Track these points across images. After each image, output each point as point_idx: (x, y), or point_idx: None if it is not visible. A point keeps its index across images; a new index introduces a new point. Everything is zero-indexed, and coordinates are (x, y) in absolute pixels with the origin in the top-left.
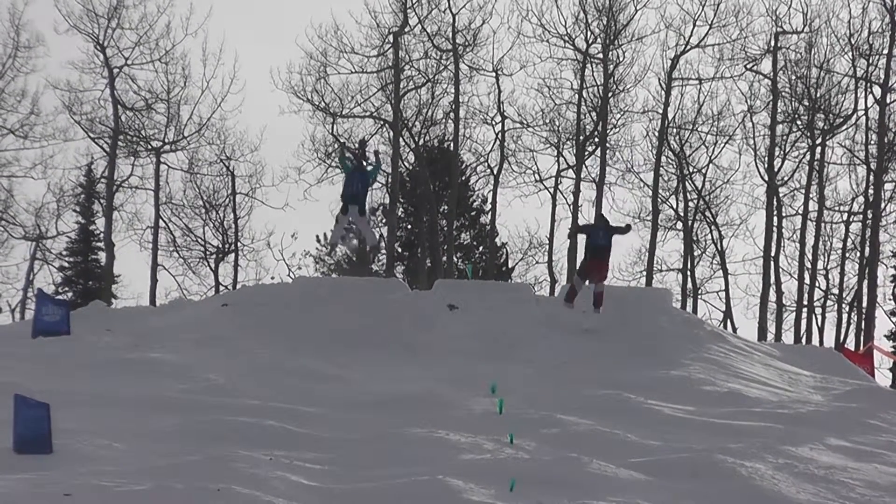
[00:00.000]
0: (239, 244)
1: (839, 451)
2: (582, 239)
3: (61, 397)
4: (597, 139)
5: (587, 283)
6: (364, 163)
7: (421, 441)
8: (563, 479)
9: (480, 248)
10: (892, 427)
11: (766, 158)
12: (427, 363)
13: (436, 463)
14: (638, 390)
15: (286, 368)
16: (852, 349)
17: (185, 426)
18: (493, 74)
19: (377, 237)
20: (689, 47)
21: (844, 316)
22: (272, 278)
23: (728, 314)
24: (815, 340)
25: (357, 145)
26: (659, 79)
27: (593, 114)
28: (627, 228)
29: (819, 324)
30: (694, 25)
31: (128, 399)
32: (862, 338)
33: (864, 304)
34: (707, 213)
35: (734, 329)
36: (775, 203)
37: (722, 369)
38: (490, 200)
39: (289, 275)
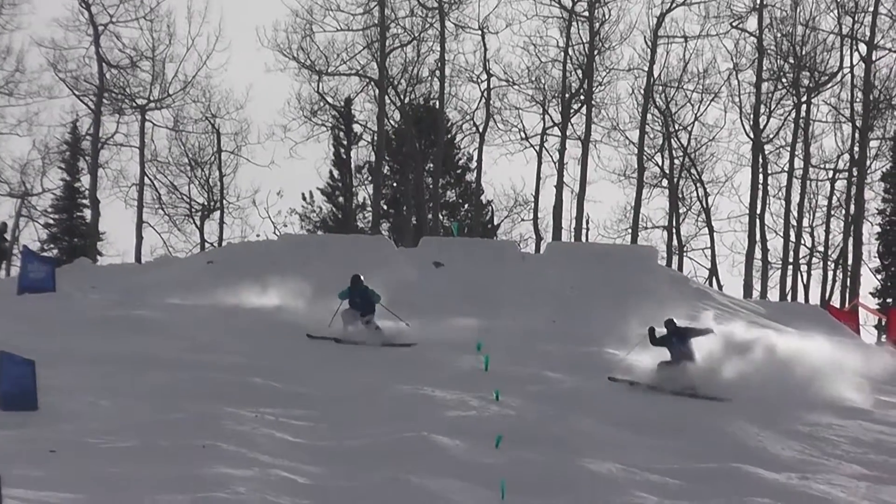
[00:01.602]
0: (224, 202)
1: (824, 407)
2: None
3: (47, 354)
4: (582, 97)
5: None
6: (363, 285)
7: (407, 398)
8: (548, 435)
9: (466, 206)
10: (877, 384)
11: (752, 116)
12: (413, 320)
13: (422, 420)
14: (624, 347)
15: (272, 325)
16: (837, 306)
17: (171, 383)
18: (479, 32)
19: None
20: (674, 5)
21: (830, 273)
22: (258, 236)
23: (713, 272)
24: (801, 298)
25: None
26: (644, 37)
27: (579, 72)
28: (707, 331)
29: (804, 281)
30: None
31: (113, 356)
32: (847, 295)
33: (850, 261)
34: (692, 171)
35: (720, 286)
36: (761, 160)
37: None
38: (476, 158)
39: (274, 232)
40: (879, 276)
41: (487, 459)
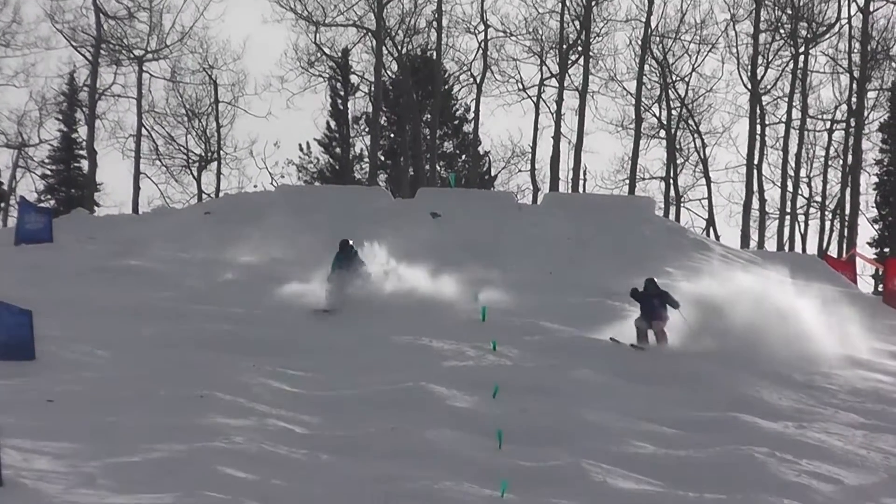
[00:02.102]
0: (221, 153)
1: (821, 357)
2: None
3: (44, 304)
4: (580, 48)
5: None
6: (354, 254)
7: (404, 348)
8: (545, 385)
9: (463, 157)
10: (874, 333)
11: (749, 67)
12: (409, 271)
13: (419, 370)
14: (622, 298)
15: (269, 276)
16: (835, 256)
17: (168, 333)
18: None
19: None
20: None
21: (827, 223)
22: (255, 187)
23: (711, 222)
24: (798, 248)
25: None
26: None
27: (576, 22)
28: (676, 305)
29: (802, 231)
30: None
31: (111, 306)
32: (844, 245)
33: (847, 211)
34: (690, 122)
35: (717, 237)
36: (758, 111)
37: (705, 277)
38: (473, 109)
39: (272, 183)
40: (877, 226)
41: (484, 409)
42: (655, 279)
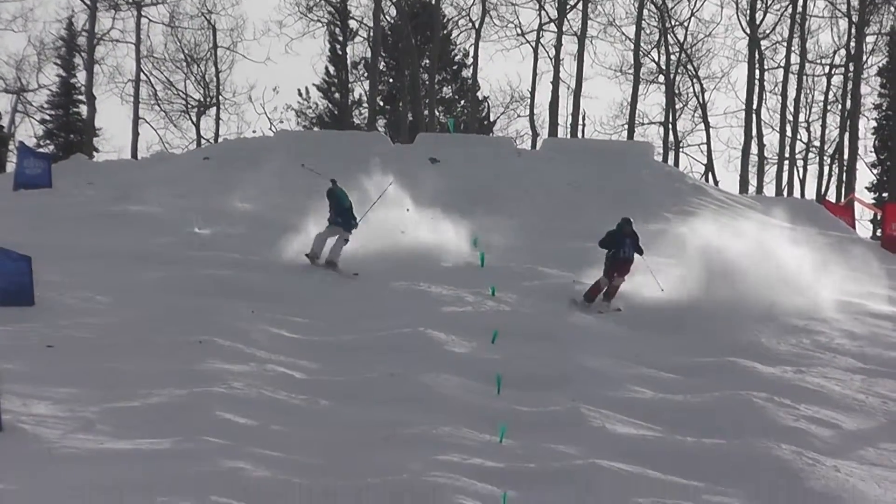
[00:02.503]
0: (220, 98)
1: (820, 302)
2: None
3: (43, 250)
4: None
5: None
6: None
7: (403, 294)
8: (544, 331)
9: (462, 102)
10: (871, 277)
11: (748, 11)
12: (408, 216)
13: (418, 315)
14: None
15: (268, 222)
16: (833, 201)
17: (167, 279)
18: None
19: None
20: None
21: (826, 168)
22: (254, 132)
23: (709, 167)
24: (797, 193)
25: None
26: None
27: None
28: (642, 251)
29: (800, 176)
30: None
31: (110, 252)
32: (843, 190)
33: (846, 156)
34: (689, 67)
35: (715, 182)
36: (757, 56)
37: (704, 222)
38: (472, 55)
39: (270, 129)
40: (875, 171)
41: (483, 354)
42: (631, 219)
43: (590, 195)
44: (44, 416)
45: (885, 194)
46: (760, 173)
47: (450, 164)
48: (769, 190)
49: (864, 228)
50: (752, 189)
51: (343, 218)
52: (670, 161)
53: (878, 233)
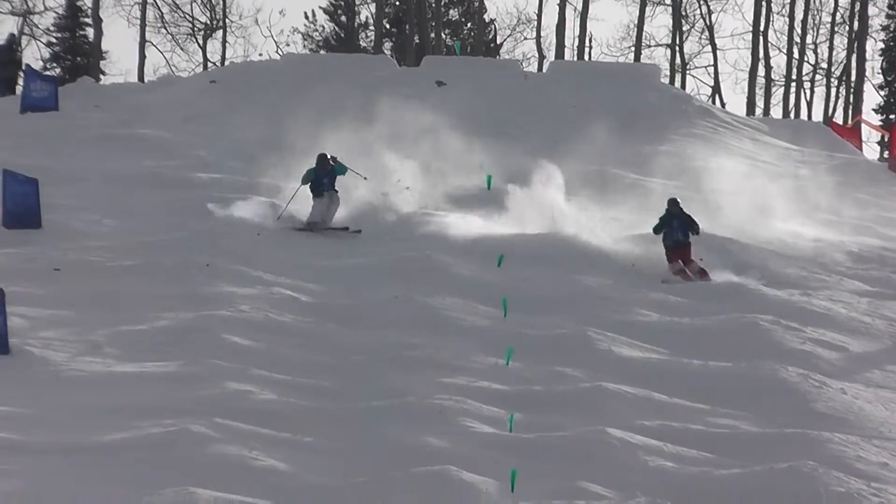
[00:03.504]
0: (227, 21)
1: (827, 224)
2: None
3: (50, 173)
4: None
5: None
6: (330, 165)
7: (409, 217)
8: (549, 254)
9: (468, 25)
10: (879, 200)
11: None
12: (415, 141)
13: (424, 238)
14: (626, 166)
15: (273, 145)
16: (840, 123)
17: (174, 202)
18: None
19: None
20: None
21: (833, 90)
22: (260, 55)
23: (716, 89)
24: (804, 115)
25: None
26: None
27: None
28: (697, 231)
29: (808, 98)
30: None
31: (117, 175)
32: (850, 112)
33: (853, 77)
34: None
35: (722, 104)
36: None
37: (710, 144)
38: None
39: (277, 52)
40: (882, 93)
41: (490, 277)
42: (679, 199)
43: (596, 119)
44: (51, 339)
45: (892, 116)
46: (767, 95)
47: (456, 87)
48: (776, 112)
49: (871, 150)
50: (759, 111)
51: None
52: (677, 83)
53: (886, 155)
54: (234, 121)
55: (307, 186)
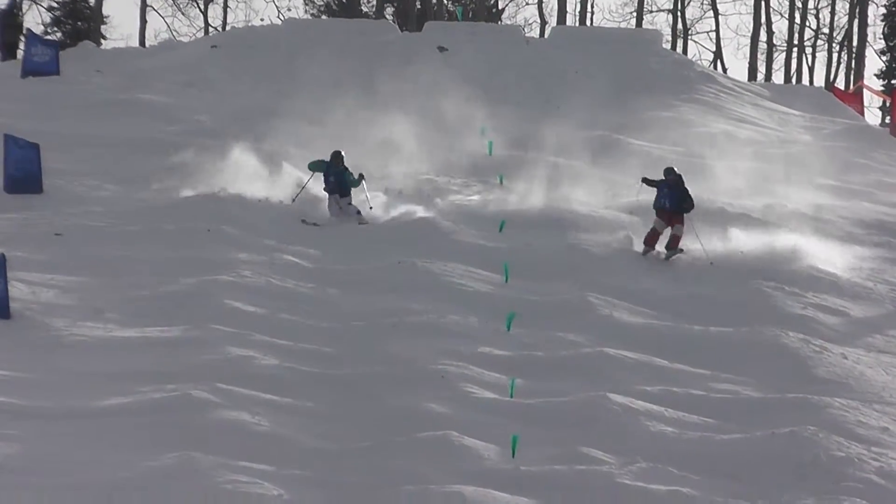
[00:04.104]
0: None
1: (828, 190)
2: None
3: (51, 138)
4: None
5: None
6: (342, 165)
7: (410, 183)
8: (551, 220)
9: None
10: (881, 165)
11: None
12: (417, 106)
13: (425, 203)
14: (628, 132)
15: (274, 111)
16: (842, 89)
17: (175, 168)
18: None
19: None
20: None
21: (834, 55)
22: (262, 20)
23: (718, 55)
24: (806, 80)
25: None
26: None
27: None
28: (690, 206)
29: (809, 63)
30: None
31: (118, 140)
32: (852, 77)
33: (854, 43)
34: None
35: (724, 70)
36: None
37: (712, 110)
38: None
39: (278, 17)
40: (884, 58)
41: (491, 243)
42: (675, 168)
43: (598, 84)
44: (52, 304)
45: (893, 81)
46: (769, 61)
47: (458, 52)
48: (778, 77)
49: (872, 116)
50: (760, 77)
51: (342, 187)
52: (679, 49)
53: (887, 120)
54: (235, 86)
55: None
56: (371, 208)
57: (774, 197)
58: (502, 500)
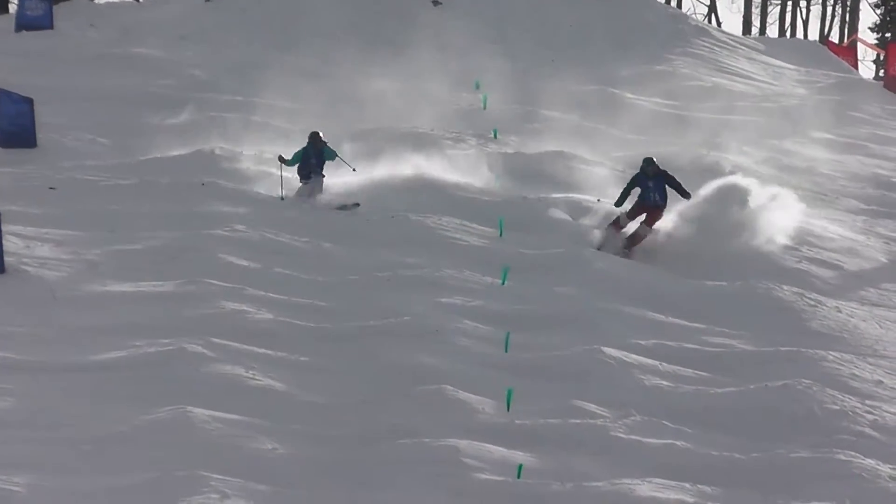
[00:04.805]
0: None
1: (822, 143)
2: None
3: (45, 92)
4: None
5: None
6: (322, 143)
7: (404, 136)
8: (545, 172)
9: None
10: (875, 119)
11: None
12: (412, 60)
13: (420, 157)
14: (623, 85)
15: (271, 65)
16: (836, 42)
17: (170, 121)
18: None
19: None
20: None
21: (828, 9)
22: None
23: (713, 8)
24: (800, 34)
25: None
26: None
27: None
28: (687, 195)
29: (804, 17)
30: None
31: (112, 94)
32: (846, 30)
33: None
34: None
35: (718, 23)
36: None
37: (706, 63)
38: None
39: None
40: (878, 11)
41: (486, 196)
42: (654, 159)
43: (593, 38)
44: (47, 259)
45: (888, 35)
46: (763, 14)
47: (452, 6)
48: (772, 31)
49: (866, 69)
50: (755, 30)
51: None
52: (673, 3)
53: (881, 74)
54: (229, 39)
55: (294, 168)
56: (354, 170)
57: (768, 150)
58: (497, 454)
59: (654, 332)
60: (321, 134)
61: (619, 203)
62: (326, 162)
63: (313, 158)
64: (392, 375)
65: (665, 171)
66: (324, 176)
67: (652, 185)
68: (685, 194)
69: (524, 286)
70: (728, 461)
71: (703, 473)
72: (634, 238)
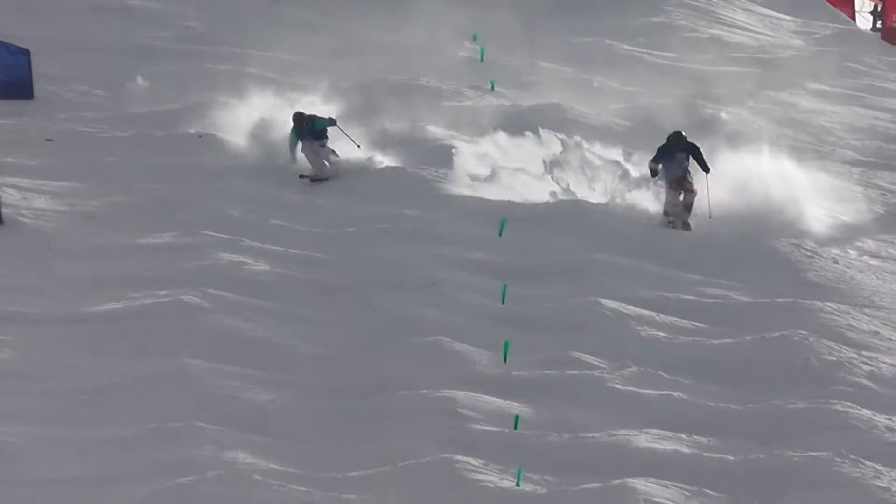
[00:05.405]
0: None
1: (819, 95)
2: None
3: (42, 43)
4: None
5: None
6: (307, 121)
7: (402, 87)
8: (544, 123)
9: None
10: (872, 70)
11: None
12: (409, 10)
13: (417, 109)
14: (620, 37)
15: (268, 17)
16: None
17: (166, 73)
18: None
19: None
20: None
21: None
22: None
23: None
24: None
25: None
26: None
27: None
28: (707, 169)
29: None
30: None
31: (108, 46)
32: None
33: None
34: None
35: None
36: None
37: (703, 15)
38: None
39: None
40: None
41: (483, 148)
42: (683, 132)
43: None
44: (44, 210)
45: None
46: None
47: None
48: None
49: (864, 20)
50: None
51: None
52: None
53: (878, 25)
54: None
55: (299, 149)
56: (359, 147)
57: (765, 102)
58: (494, 405)
59: (651, 284)
60: (305, 114)
61: (653, 175)
62: (328, 129)
63: (309, 136)
64: (389, 327)
65: (693, 145)
66: (327, 147)
67: (679, 157)
68: (706, 169)
69: (521, 238)
70: (724, 412)
71: (699, 424)
72: (688, 208)
